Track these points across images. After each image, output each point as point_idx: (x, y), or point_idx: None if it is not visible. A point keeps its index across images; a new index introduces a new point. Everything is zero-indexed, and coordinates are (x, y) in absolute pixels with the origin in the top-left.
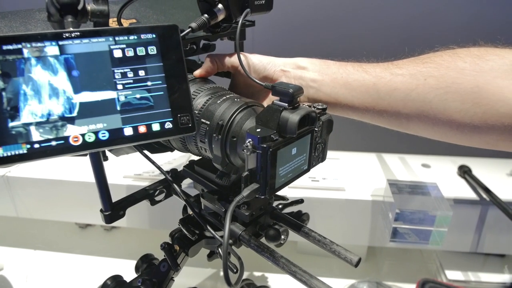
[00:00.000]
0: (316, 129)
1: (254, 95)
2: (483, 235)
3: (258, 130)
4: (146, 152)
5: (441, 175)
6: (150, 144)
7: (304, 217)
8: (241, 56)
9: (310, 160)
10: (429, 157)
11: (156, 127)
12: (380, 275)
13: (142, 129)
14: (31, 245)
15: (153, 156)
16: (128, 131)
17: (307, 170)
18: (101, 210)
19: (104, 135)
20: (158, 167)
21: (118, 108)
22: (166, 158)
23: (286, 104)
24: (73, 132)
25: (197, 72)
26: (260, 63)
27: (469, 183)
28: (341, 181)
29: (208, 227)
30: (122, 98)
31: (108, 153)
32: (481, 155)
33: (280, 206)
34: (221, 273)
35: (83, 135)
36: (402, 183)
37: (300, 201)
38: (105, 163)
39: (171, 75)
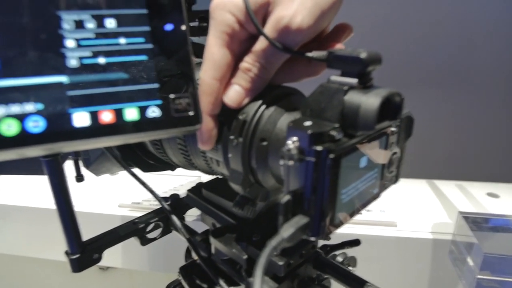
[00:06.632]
0: (393, 129)
1: None
2: None
3: (308, 123)
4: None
5: None
6: (138, 156)
7: (351, 262)
8: None
9: (382, 179)
10: (495, 184)
11: (131, 114)
12: None
13: (106, 116)
14: (9, 286)
15: (149, 177)
16: (80, 119)
17: (377, 196)
18: (66, 253)
19: (36, 125)
20: (151, 190)
21: (65, 80)
22: (171, 183)
23: (355, 81)
24: None
25: None
26: None
27: None
28: (390, 214)
29: (221, 282)
30: (73, 63)
31: (84, 171)
32: None
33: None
34: None
35: None
36: (478, 217)
37: (356, 242)
38: (93, 187)
39: (161, 30)
